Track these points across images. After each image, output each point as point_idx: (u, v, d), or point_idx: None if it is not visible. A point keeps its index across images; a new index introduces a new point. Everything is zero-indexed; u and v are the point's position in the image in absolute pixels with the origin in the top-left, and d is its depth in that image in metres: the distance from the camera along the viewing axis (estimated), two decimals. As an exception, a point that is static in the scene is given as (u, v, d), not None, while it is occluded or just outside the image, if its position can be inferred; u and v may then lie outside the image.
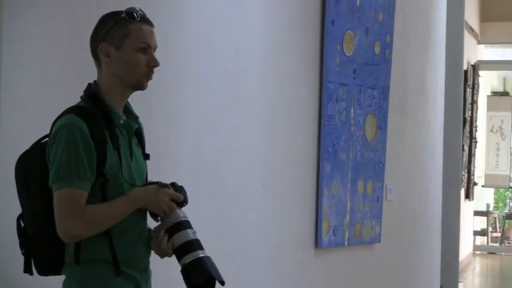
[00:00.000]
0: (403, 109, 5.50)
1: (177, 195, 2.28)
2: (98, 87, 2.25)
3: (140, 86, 2.29)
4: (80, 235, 2.15)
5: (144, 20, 2.29)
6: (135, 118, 2.33)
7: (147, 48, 2.27)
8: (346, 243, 4.96)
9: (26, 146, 2.23)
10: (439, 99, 5.94)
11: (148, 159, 2.42)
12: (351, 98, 4.98)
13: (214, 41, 3.66)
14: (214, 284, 2.30)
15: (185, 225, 2.29)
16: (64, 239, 2.17)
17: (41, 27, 2.73)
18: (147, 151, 2.41)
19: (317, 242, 4.74)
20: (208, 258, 2.29)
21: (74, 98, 2.31)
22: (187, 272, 2.27)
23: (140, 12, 2.27)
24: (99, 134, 2.19)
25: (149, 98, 2.95)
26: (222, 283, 2.29)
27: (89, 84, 2.27)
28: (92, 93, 2.22)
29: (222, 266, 2.44)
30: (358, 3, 4.89)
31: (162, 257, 2.33)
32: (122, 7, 2.27)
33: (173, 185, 2.35)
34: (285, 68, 4.40)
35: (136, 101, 2.34)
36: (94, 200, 2.20)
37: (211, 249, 2.50)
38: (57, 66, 2.80)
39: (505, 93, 12.65)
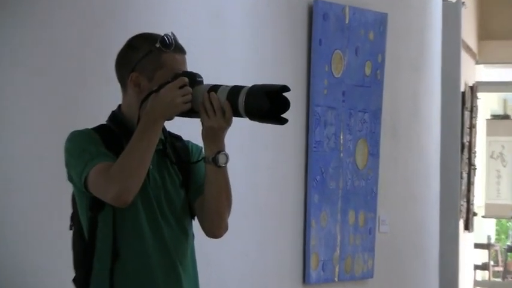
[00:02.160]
0: (396, 134, 5.52)
1: (180, 80, 2.17)
2: (121, 113, 2.27)
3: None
4: (124, 192, 2.10)
5: (178, 48, 2.29)
6: (161, 141, 2.27)
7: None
8: (336, 279, 4.99)
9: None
10: (435, 123, 6.04)
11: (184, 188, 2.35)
12: (340, 123, 5.04)
13: (195, 58, 3.56)
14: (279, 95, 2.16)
15: (216, 86, 2.19)
16: (118, 204, 2.13)
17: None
18: None
19: (305, 278, 4.77)
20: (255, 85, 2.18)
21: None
22: (251, 107, 2.14)
23: (174, 40, 2.27)
24: (116, 146, 2.20)
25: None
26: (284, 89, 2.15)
27: (113, 111, 2.31)
28: (115, 116, 2.26)
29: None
30: (347, 22, 4.96)
31: (221, 125, 2.18)
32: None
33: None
34: None
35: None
36: (106, 224, 2.20)
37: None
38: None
39: (505, 117, 12.29)
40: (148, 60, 2.26)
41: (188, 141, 2.39)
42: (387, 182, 5.40)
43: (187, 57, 2.30)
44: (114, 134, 2.26)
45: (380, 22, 5.24)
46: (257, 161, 4.38)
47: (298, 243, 4.74)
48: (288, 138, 4.65)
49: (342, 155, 5.06)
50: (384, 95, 5.26)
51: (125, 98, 2.30)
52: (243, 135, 4.20)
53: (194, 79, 2.21)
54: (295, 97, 4.62)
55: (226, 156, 2.17)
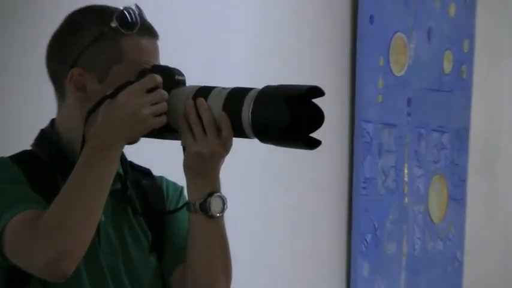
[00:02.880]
0: (493, 167, 4.51)
1: (149, 79, 1.76)
2: (55, 132, 1.89)
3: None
4: (61, 258, 1.73)
5: (146, 29, 1.85)
6: (120, 180, 1.89)
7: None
8: None
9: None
10: None
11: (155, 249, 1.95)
12: (404, 148, 4.05)
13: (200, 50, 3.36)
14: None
15: (206, 88, 1.79)
16: (52, 277, 1.76)
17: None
18: None
19: None
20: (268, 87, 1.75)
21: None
22: (260, 118, 1.70)
23: (139, 17, 1.83)
24: (47, 185, 1.82)
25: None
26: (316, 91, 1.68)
27: (42, 130, 1.94)
28: (45, 137, 1.90)
29: None
30: None
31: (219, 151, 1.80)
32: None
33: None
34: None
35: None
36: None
37: None
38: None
39: None
40: (99, 48, 1.82)
41: (161, 178, 2.01)
42: (480, 243, 4.45)
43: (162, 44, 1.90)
44: (43, 166, 1.87)
45: None
46: (272, 206, 3.76)
47: None
48: (320, 175, 3.85)
49: (406, 200, 4.08)
50: (473, 105, 4.31)
51: (62, 109, 1.90)
52: (251, 168, 3.65)
53: (171, 78, 1.81)
54: (332, 108, 3.56)
55: (223, 200, 1.79)
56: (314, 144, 1.61)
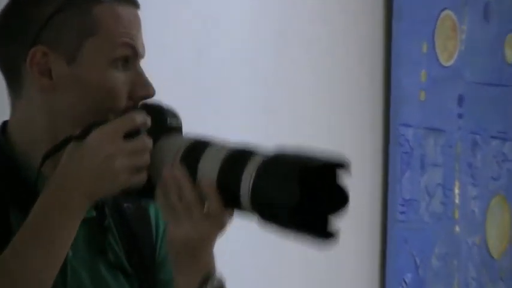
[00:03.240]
0: None
1: (126, 120, 1.48)
2: (8, 140, 1.54)
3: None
4: None
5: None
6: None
7: (130, 57, 1.50)
8: None
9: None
10: None
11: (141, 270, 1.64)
12: (455, 161, 3.39)
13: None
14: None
15: (199, 144, 1.47)
16: None
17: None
18: None
19: None
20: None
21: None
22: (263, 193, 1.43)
23: None
24: None
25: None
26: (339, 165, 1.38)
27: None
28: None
29: None
30: None
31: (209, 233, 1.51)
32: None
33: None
34: (309, 106, 3.39)
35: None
36: None
37: None
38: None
39: None
40: (66, 18, 1.49)
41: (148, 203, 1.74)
42: None
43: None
44: None
45: None
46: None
47: None
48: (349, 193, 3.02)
49: (457, 228, 3.40)
50: None
51: (19, 106, 1.56)
52: None
53: (162, 121, 1.52)
54: (362, 108, 3.32)
55: (221, 284, 1.49)
56: (330, 236, 1.28)
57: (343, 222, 2.76)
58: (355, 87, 3.35)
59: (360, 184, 3.23)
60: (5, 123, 1.53)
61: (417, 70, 3.24)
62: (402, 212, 3.21)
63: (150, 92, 1.47)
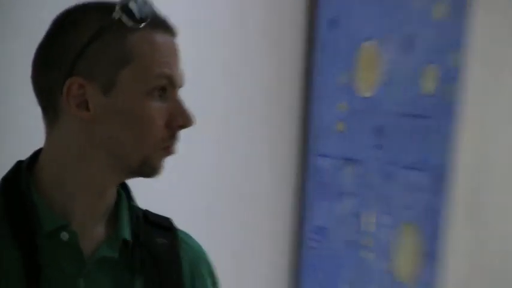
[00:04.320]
0: (480, 215, 3.63)
1: None
2: (35, 175, 1.50)
3: (149, 168, 1.53)
4: None
5: (160, 23, 1.53)
6: (117, 239, 1.55)
7: (168, 87, 1.49)
8: None
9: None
10: None
11: None
12: (368, 191, 3.38)
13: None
14: None
15: None
16: None
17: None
18: None
19: None
20: None
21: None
22: None
23: (147, 7, 1.51)
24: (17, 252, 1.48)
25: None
26: None
27: (17, 164, 1.58)
28: (15, 179, 1.52)
29: None
30: None
31: None
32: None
33: None
34: (236, 126, 3.44)
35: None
36: None
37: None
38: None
39: None
40: (100, 48, 1.47)
41: (182, 239, 1.70)
42: None
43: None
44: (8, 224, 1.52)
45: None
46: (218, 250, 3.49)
47: None
48: (261, 223, 3.40)
49: (369, 255, 3.41)
50: (459, 136, 3.41)
51: (53, 138, 1.52)
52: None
53: None
54: (278, 138, 3.42)
55: None
56: None
57: (257, 245, 2.90)
58: (274, 116, 3.38)
59: (275, 210, 3.34)
60: (36, 153, 1.53)
61: (336, 101, 3.25)
62: (315, 239, 3.24)
63: (189, 122, 1.48)
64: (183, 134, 1.58)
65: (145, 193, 1.77)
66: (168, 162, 1.57)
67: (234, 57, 3.29)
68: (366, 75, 3.25)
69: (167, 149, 1.48)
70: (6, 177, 1.50)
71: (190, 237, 1.68)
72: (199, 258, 1.67)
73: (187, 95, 1.61)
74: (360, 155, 3.25)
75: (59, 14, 1.47)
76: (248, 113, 3.34)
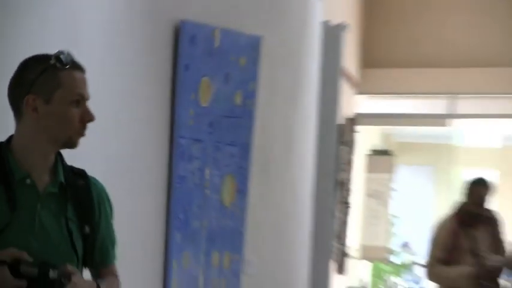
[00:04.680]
0: (267, 170, 5.59)
1: (1, 279, 2.25)
2: (6, 144, 2.34)
3: (71, 144, 2.37)
4: None
5: (76, 65, 2.36)
6: (56, 181, 2.37)
7: (81, 101, 2.32)
8: None
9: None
10: (309, 159, 6.17)
11: (86, 234, 2.50)
12: (207, 157, 5.09)
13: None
14: None
15: None
16: None
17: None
18: None
19: None
20: None
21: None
22: None
23: (68, 57, 2.33)
24: None
25: None
26: None
27: (1, 142, 2.41)
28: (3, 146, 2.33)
29: None
30: (216, 46, 4.97)
31: None
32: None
33: (17, 262, 2.31)
34: (128, 118, 4.42)
35: None
36: None
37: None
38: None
39: (384, 152, 11.52)
40: (45, 78, 2.27)
41: (90, 182, 2.52)
42: (256, 221, 5.49)
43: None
44: None
45: (253, 46, 5.30)
46: (113, 193, 4.40)
47: (158, 286, 4.81)
48: (148, 173, 4.65)
49: (207, 191, 5.11)
50: (255, 127, 5.37)
51: (19, 127, 2.32)
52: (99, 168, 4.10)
53: (44, 276, 2.32)
54: (158, 127, 4.73)
55: None
56: None
57: (142, 189, 4.55)
58: (154, 117, 4.65)
59: (157, 169, 4.67)
60: (11, 136, 2.27)
61: (189, 108, 4.75)
62: (178, 182, 4.72)
63: (91, 118, 2.27)
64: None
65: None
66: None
67: (123, 100, 4.35)
68: (204, 95, 4.88)
69: (80, 133, 2.31)
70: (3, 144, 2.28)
71: (96, 180, 2.54)
72: (102, 192, 2.51)
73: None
74: (202, 137, 4.89)
75: (23, 60, 2.30)
76: (131, 117, 4.40)
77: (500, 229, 7.20)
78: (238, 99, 5.35)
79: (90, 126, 3.56)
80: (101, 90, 3.83)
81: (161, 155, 4.77)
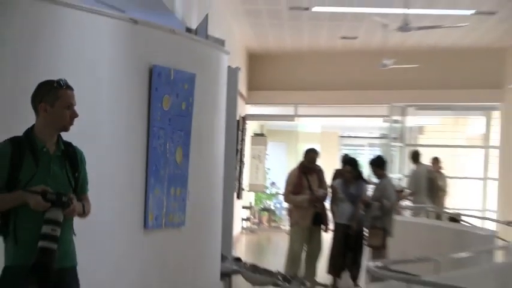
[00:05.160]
0: (199, 144, 7.99)
1: (34, 201, 3.59)
2: (31, 129, 3.75)
3: (65, 129, 3.81)
4: None
5: (68, 87, 3.75)
6: (59, 149, 3.79)
7: (71, 106, 3.78)
8: (163, 226, 7.36)
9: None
10: (222, 138, 8.64)
11: (74, 178, 3.97)
12: (167, 137, 7.36)
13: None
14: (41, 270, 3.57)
15: (48, 217, 3.63)
16: None
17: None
18: None
19: (145, 225, 7.11)
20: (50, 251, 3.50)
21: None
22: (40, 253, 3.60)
23: (64, 82, 3.71)
24: (19, 153, 3.69)
25: None
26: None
27: (28, 129, 3.85)
28: (26, 131, 3.83)
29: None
30: (172, 78, 7.28)
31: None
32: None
33: (43, 193, 3.59)
34: (123, 115, 6.71)
35: None
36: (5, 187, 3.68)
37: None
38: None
39: (261, 135, 23.13)
40: (50, 94, 3.71)
41: (76, 149, 4.00)
42: (194, 171, 7.88)
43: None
44: (23, 144, 3.65)
45: (191, 79, 7.58)
46: (116, 156, 6.77)
47: (141, 206, 7.07)
48: (134, 146, 6.96)
49: (168, 155, 7.39)
50: (192, 122, 7.78)
51: (37, 121, 3.77)
52: (102, 141, 6.32)
53: (52, 203, 3.50)
54: (141, 121, 7.02)
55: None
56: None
57: (132, 152, 7.26)
58: (138, 116, 6.84)
59: (140, 142, 6.82)
60: (33, 125, 3.94)
61: (158, 111, 7.01)
62: (153, 151, 7.06)
63: (76, 115, 3.97)
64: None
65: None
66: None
67: (120, 106, 6.49)
68: (165, 104, 7.05)
69: (70, 123, 3.92)
70: (26, 131, 3.90)
71: (78, 148, 4.12)
72: (81, 154, 4.11)
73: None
74: (164, 126, 7.07)
75: (39, 83, 3.90)
76: (127, 116, 6.55)
77: (322, 175, 11.99)
78: (183, 106, 7.54)
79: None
80: (106, 100, 6.34)
81: (143, 136, 6.93)
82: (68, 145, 4.16)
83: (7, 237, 3.99)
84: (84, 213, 4.22)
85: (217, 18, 12.81)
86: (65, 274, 4.09)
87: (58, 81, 3.93)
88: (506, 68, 18.14)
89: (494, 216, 18.13)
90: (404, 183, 16.58)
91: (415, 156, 15.35)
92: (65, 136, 4.32)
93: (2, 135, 4.21)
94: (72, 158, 4.15)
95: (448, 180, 16.22)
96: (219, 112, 8.61)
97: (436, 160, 15.70)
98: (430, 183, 14.89)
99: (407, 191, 14.36)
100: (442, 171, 16.01)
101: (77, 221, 4.36)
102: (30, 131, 3.97)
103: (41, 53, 5.48)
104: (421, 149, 16.38)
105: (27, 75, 5.04)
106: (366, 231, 11.45)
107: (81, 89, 4.72)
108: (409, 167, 16.15)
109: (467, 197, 20.14)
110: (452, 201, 17.81)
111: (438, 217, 14.46)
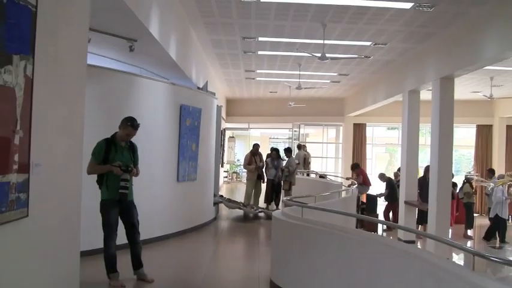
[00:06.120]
0: (204, 142, 15.74)
1: (115, 170, 8.42)
2: (114, 134, 8.86)
3: (126, 139, 8.88)
4: (88, 172, 8.60)
5: (133, 126, 8.76)
6: (127, 144, 8.76)
7: (129, 135, 9.02)
8: (186, 180, 15.05)
9: None
10: (214, 139, 16.70)
11: (133, 158, 9.04)
12: (188, 138, 15.12)
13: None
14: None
15: (122, 177, 8.72)
16: (87, 173, 8.20)
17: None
18: None
19: (177, 179, 14.61)
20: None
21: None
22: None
23: (131, 122, 8.68)
24: (110, 146, 8.84)
25: None
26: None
27: (114, 133, 8.78)
28: (113, 135, 8.97)
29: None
30: (190, 110, 15.14)
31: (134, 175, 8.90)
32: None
33: (119, 166, 8.45)
34: (168, 128, 14.27)
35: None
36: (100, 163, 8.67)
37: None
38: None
39: (232, 137, 42.48)
40: (124, 125, 9.03)
41: (134, 144, 9.16)
42: (200, 154, 16.73)
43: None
44: (111, 142, 8.71)
45: (199, 111, 15.50)
46: (164, 147, 15.61)
47: (175, 169, 14.41)
48: (173, 141, 14.79)
49: (188, 147, 15.22)
50: (200, 131, 16.07)
51: (119, 131, 8.99)
52: (158, 142, 15.04)
53: (124, 170, 8.51)
54: (176, 130, 15.17)
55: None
56: None
57: (172, 143, 16.96)
58: (174, 129, 16.44)
59: (176, 140, 16.22)
60: (116, 132, 9.50)
61: (184, 126, 16.14)
62: (181, 144, 16.21)
63: (131, 137, 9.65)
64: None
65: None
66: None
67: (167, 126, 15.33)
68: (187, 122, 15.70)
69: (127, 139, 9.44)
70: (112, 135, 9.43)
71: (134, 143, 9.64)
72: (136, 146, 9.70)
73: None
74: (187, 134, 16.05)
75: (126, 117, 9.49)
76: (170, 132, 14.87)
77: (261, 156, 22.68)
78: (195, 124, 15.19)
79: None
80: (160, 122, 14.45)
81: (176, 137, 14.39)
82: (131, 142, 8.47)
83: (102, 186, 8.82)
84: (137, 175, 8.84)
85: (212, 82, 22.75)
86: (130, 203, 9.04)
87: (131, 122, 8.21)
88: (344, 107, 34.10)
89: (340, 175, 31.71)
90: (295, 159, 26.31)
91: (299, 146, 27.77)
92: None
93: (106, 136, 9.13)
94: (132, 148, 8.66)
95: (313, 158, 31.19)
96: (212, 127, 16.63)
97: (305, 147, 29.04)
98: (304, 159, 26.86)
99: (297, 161, 23.78)
100: (310, 153, 29.50)
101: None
102: (114, 135, 8.28)
103: (129, 101, 11.57)
104: (304, 143, 31.26)
105: (123, 114, 9.81)
106: (282, 182, 21.33)
107: (148, 116, 11.93)
108: (296, 151, 27.66)
109: (328, 166, 35.92)
110: (320, 168, 34.03)
111: (322, 176, 25.18)
